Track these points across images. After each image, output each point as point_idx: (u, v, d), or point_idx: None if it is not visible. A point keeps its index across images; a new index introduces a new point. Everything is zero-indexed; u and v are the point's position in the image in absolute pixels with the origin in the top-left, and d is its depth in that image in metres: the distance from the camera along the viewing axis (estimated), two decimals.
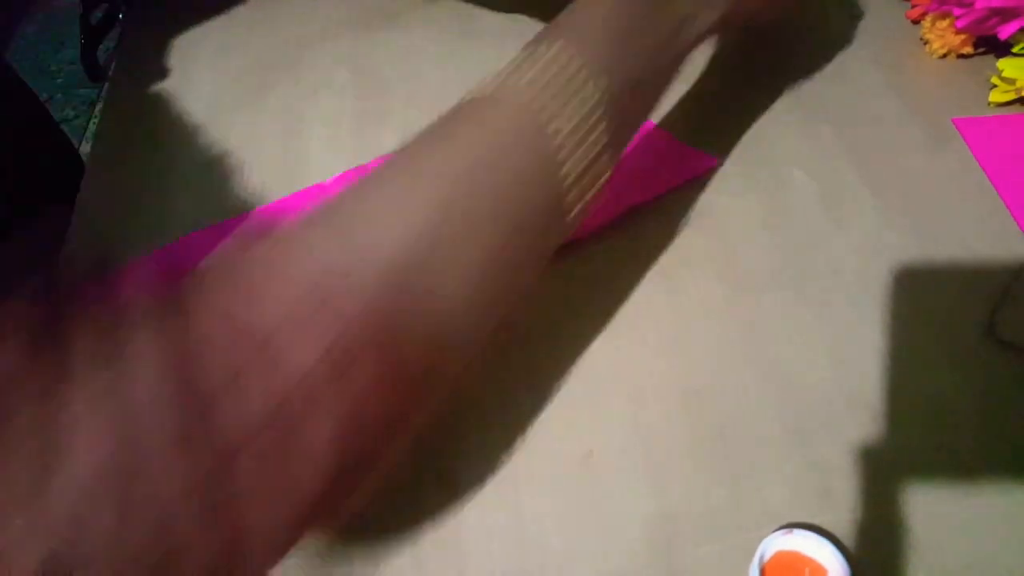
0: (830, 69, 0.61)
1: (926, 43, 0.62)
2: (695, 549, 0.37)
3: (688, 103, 0.59)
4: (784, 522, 0.37)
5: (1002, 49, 0.57)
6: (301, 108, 0.59)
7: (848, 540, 0.37)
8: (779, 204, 0.51)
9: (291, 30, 0.66)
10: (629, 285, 0.47)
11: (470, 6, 0.68)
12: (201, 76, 0.64)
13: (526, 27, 0.66)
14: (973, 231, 0.49)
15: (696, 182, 0.53)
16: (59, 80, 2.03)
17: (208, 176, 0.55)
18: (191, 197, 0.53)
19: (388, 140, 0.55)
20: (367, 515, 0.38)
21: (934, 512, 0.37)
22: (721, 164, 0.54)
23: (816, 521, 0.37)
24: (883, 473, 0.39)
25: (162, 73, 0.64)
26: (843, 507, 0.38)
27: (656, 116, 0.57)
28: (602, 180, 0.36)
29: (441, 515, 0.38)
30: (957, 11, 0.56)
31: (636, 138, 0.54)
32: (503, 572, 0.36)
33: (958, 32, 0.58)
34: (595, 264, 0.48)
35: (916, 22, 0.63)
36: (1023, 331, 0.44)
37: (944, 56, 0.61)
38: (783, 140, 0.56)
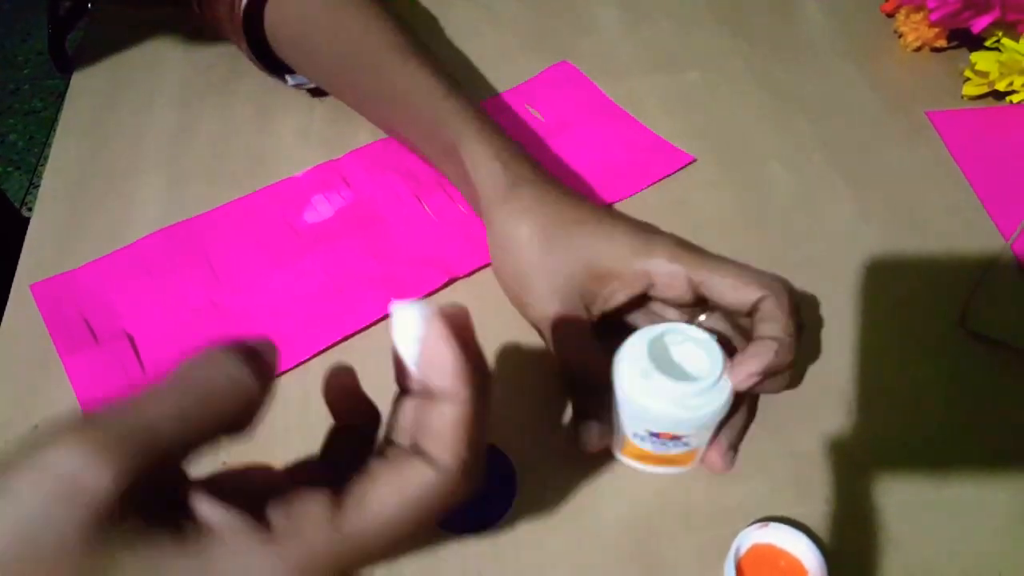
0: (805, 62, 0.61)
1: (900, 36, 0.62)
2: (671, 543, 0.36)
3: (666, 96, 0.58)
4: (760, 516, 0.37)
5: (975, 43, 0.58)
6: (271, 98, 0.58)
7: (823, 532, 0.37)
8: (755, 196, 0.51)
9: None
10: None
11: None
12: (170, 66, 0.62)
13: (501, 15, 0.66)
14: (946, 223, 0.50)
15: (673, 176, 0.53)
16: (26, 71, 1.99)
17: (176, 167, 0.53)
18: (158, 189, 0.52)
19: (361, 130, 0.55)
20: None
21: (907, 502, 0.38)
22: (696, 159, 0.53)
23: (791, 514, 0.37)
24: (857, 464, 0.39)
25: (130, 63, 0.63)
26: (818, 499, 0.38)
27: (637, 109, 0.57)
28: None
29: None
30: (931, 4, 0.56)
31: (620, 134, 0.54)
32: (477, 569, 0.36)
33: (932, 25, 0.59)
34: None
35: (890, 15, 0.64)
36: (995, 323, 0.44)
37: (918, 49, 0.61)
38: (759, 133, 0.56)
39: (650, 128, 0.55)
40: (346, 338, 0.44)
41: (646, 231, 0.40)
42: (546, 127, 0.55)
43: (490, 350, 0.43)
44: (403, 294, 0.45)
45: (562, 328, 0.39)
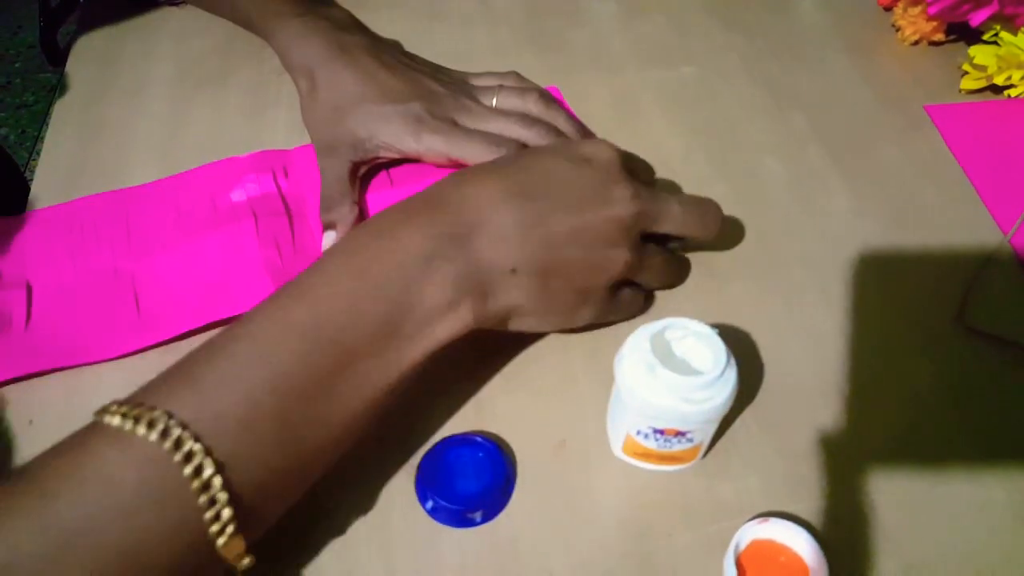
0: (801, 55, 0.61)
1: (898, 30, 0.62)
2: (669, 539, 0.36)
3: (660, 90, 0.58)
4: (759, 511, 0.37)
5: (973, 36, 0.58)
6: (264, 92, 0.58)
7: (822, 528, 0.36)
8: (749, 192, 0.51)
9: None
10: None
11: None
12: (162, 59, 0.62)
13: (490, 11, 0.65)
14: (945, 219, 0.49)
15: (667, 171, 0.52)
16: (17, 64, 1.98)
17: (169, 160, 0.53)
18: (148, 180, 0.52)
19: None
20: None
21: (905, 498, 0.37)
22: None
23: (790, 510, 0.37)
24: (854, 460, 0.39)
25: (122, 55, 0.62)
26: (816, 495, 0.38)
27: (631, 104, 0.57)
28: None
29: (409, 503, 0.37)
30: None
31: None
32: (475, 565, 0.36)
33: (930, 19, 0.59)
34: None
35: (888, 9, 0.64)
36: (993, 318, 0.44)
37: (916, 43, 0.61)
38: (754, 127, 0.56)
39: (644, 123, 0.55)
40: (222, 321, 0.43)
41: (416, 118, 0.48)
42: None
43: (486, 346, 0.43)
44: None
45: (328, 163, 0.49)
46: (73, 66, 0.62)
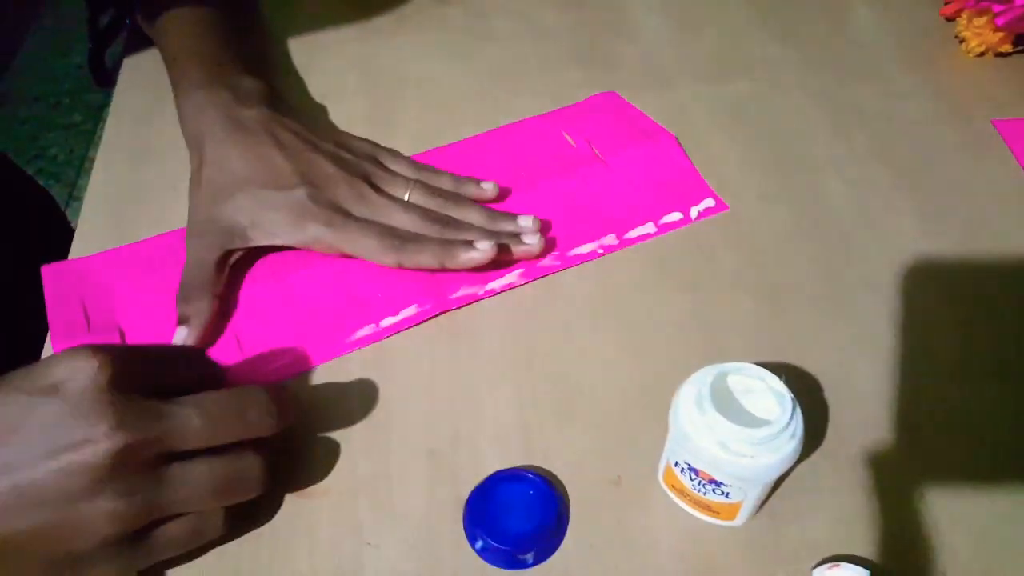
0: (861, 69, 0.59)
1: (962, 41, 0.59)
2: None
3: (714, 107, 0.56)
4: (828, 555, 0.35)
5: None
6: (311, 113, 0.57)
7: (893, 571, 0.34)
8: (810, 213, 0.49)
9: (300, 35, 0.64)
10: (653, 301, 0.45)
11: (481, 6, 0.66)
12: None
13: (538, 28, 0.64)
14: (1016, 238, 0.47)
15: (724, 189, 0.50)
16: (66, 85, 2.02)
17: None
18: None
19: (401, 144, 0.53)
20: None
21: (985, 540, 0.35)
22: (729, 209, 0.51)
23: (862, 553, 0.35)
24: (930, 499, 0.36)
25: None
26: (889, 537, 0.35)
27: (683, 121, 0.55)
28: None
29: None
30: (996, 7, 0.53)
31: (651, 169, 0.52)
32: None
33: (997, 30, 0.56)
34: (616, 278, 0.46)
35: (951, 19, 0.61)
36: None
37: (981, 55, 0.58)
38: (812, 144, 0.53)
39: (697, 140, 0.53)
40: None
41: (300, 206, 0.45)
42: (576, 154, 0.53)
43: (541, 380, 0.41)
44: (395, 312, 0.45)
45: (195, 247, 0.45)
46: (122, 88, 0.62)
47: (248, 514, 0.36)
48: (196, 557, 0.35)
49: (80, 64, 2.05)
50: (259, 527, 0.36)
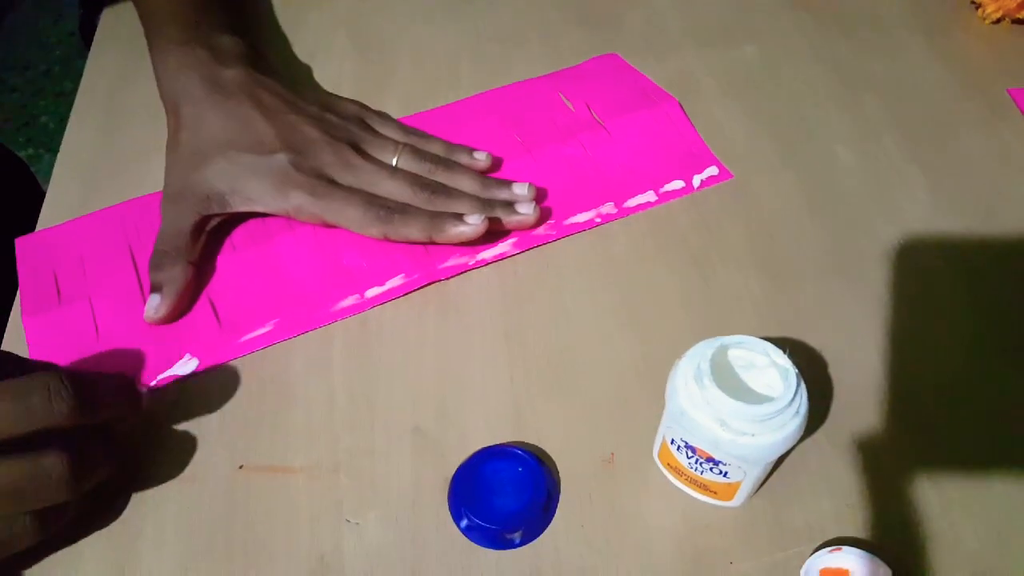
0: (872, 35, 0.56)
1: (978, 7, 0.57)
2: (729, 568, 0.33)
3: (720, 72, 0.54)
4: (830, 538, 0.33)
5: None
6: (296, 74, 0.55)
7: (900, 556, 0.32)
8: (820, 182, 0.47)
9: None
10: (652, 272, 0.43)
11: None
12: None
13: None
14: None
15: (732, 159, 0.48)
16: (57, 52, 1.98)
17: None
18: None
19: (391, 107, 0.51)
20: None
21: (994, 525, 0.33)
22: (734, 177, 0.49)
23: (865, 536, 0.33)
24: (937, 482, 0.34)
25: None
26: (894, 520, 0.33)
27: (689, 87, 0.52)
28: None
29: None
30: None
31: (653, 135, 0.49)
32: None
33: None
34: (614, 249, 0.44)
35: None
36: None
37: (997, 21, 0.56)
38: (823, 112, 0.51)
39: (703, 106, 0.51)
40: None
41: (282, 173, 0.43)
42: (575, 119, 0.51)
43: (534, 353, 0.39)
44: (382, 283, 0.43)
45: (171, 212, 0.43)
46: (98, 50, 0.59)
47: (95, 509, 0.34)
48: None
49: (71, 31, 2.01)
50: (108, 525, 0.34)
